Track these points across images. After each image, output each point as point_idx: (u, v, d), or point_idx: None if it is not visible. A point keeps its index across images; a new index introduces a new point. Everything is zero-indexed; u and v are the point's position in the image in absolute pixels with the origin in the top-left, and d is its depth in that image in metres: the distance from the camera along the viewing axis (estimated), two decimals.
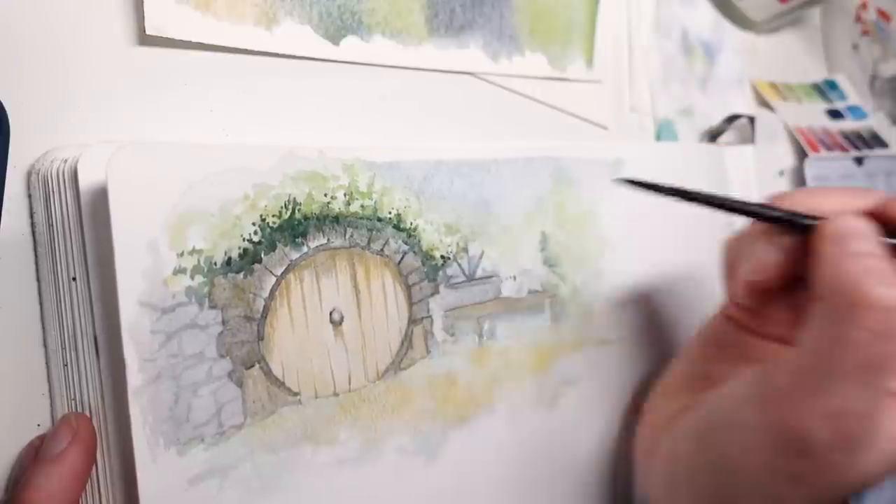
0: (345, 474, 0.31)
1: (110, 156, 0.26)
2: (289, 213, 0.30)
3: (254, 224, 0.29)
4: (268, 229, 0.29)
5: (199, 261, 0.27)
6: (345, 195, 0.32)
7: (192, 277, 0.27)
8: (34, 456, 0.27)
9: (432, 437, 0.34)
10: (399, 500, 0.33)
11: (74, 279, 0.27)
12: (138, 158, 0.26)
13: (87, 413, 0.27)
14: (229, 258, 0.28)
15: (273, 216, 0.30)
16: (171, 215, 0.27)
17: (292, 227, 0.30)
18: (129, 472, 0.26)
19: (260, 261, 0.29)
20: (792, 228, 0.30)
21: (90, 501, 0.27)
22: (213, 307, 0.28)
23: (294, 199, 0.30)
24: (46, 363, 0.29)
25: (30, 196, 0.28)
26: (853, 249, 0.27)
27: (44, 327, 0.29)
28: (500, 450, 0.36)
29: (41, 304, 0.29)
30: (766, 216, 0.30)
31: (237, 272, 0.29)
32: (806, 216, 0.29)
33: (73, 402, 0.28)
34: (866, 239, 0.27)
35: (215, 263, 0.28)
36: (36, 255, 0.29)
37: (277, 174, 0.30)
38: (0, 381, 0.27)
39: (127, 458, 0.26)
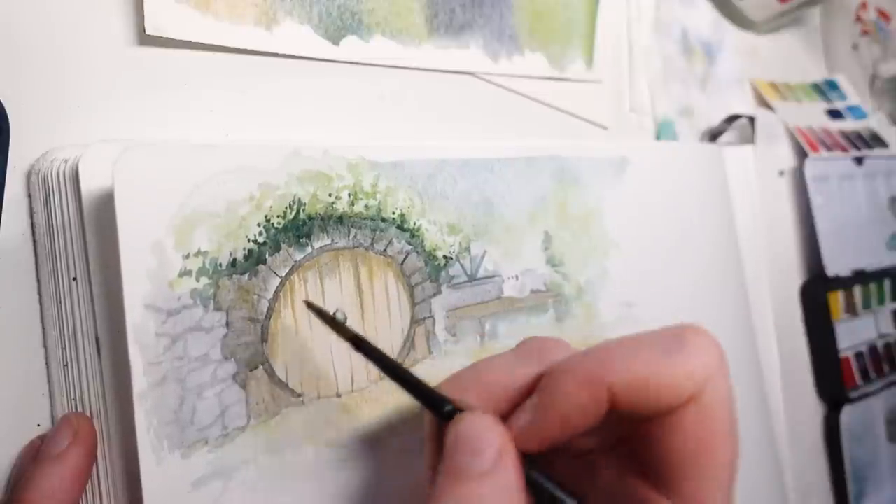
0: (347, 474, 0.31)
1: (117, 157, 0.25)
2: (293, 213, 0.30)
3: (259, 225, 0.29)
4: (272, 230, 0.29)
5: (204, 262, 0.27)
6: (349, 195, 0.32)
7: (197, 279, 0.27)
8: (34, 456, 0.26)
9: None
10: (401, 500, 0.33)
11: (75, 279, 0.27)
12: (145, 159, 0.26)
13: (88, 413, 0.27)
14: (234, 259, 0.28)
15: (278, 217, 0.29)
16: (176, 216, 0.27)
17: (297, 227, 0.30)
18: (132, 473, 0.26)
19: (264, 262, 0.29)
20: (435, 411, 0.24)
21: (91, 502, 0.27)
22: (217, 309, 0.28)
23: (299, 199, 0.30)
24: (46, 363, 0.28)
25: (30, 196, 0.28)
26: (458, 466, 0.21)
27: (44, 327, 0.29)
28: None
29: (41, 304, 0.29)
30: (416, 394, 0.25)
31: (242, 274, 0.28)
32: (449, 402, 0.24)
33: (73, 402, 0.28)
34: (481, 456, 0.21)
35: (220, 265, 0.28)
36: (36, 256, 0.29)
37: (282, 174, 0.30)
38: (0, 381, 0.27)
39: (130, 459, 0.26)
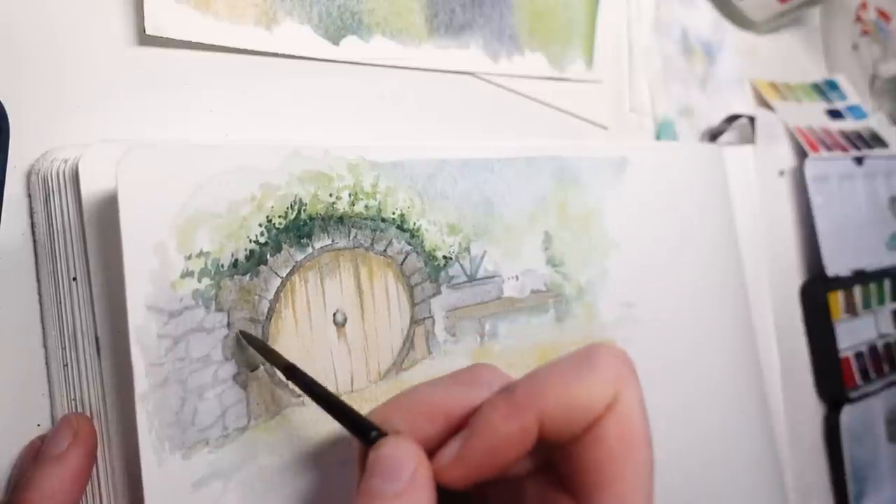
0: (347, 474, 0.31)
1: (121, 158, 0.25)
2: (294, 213, 0.30)
3: (260, 225, 0.29)
4: (274, 230, 0.29)
5: (206, 263, 0.27)
6: (349, 195, 0.32)
7: (199, 280, 0.27)
8: (35, 456, 0.26)
9: None
10: None
11: (75, 279, 0.27)
12: (148, 160, 0.26)
13: (88, 413, 0.27)
14: (236, 260, 0.28)
15: (279, 217, 0.29)
16: (179, 217, 0.27)
17: (298, 227, 0.30)
18: (132, 474, 0.26)
19: (266, 262, 0.29)
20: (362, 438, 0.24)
21: (92, 503, 0.27)
22: (219, 310, 0.28)
23: (300, 199, 0.30)
24: (46, 363, 0.28)
25: (30, 196, 0.28)
26: (372, 488, 0.22)
27: (44, 327, 0.28)
28: None
29: (41, 304, 0.29)
30: (343, 421, 0.26)
31: (243, 274, 0.28)
32: (376, 428, 0.24)
33: (73, 402, 0.28)
34: (394, 479, 0.22)
35: (222, 266, 0.28)
36: (36, 256, 0.28)
37: (283, 174, 0.30)
38: (0, 381, 0.27)
39: (130, 460, 0.26)
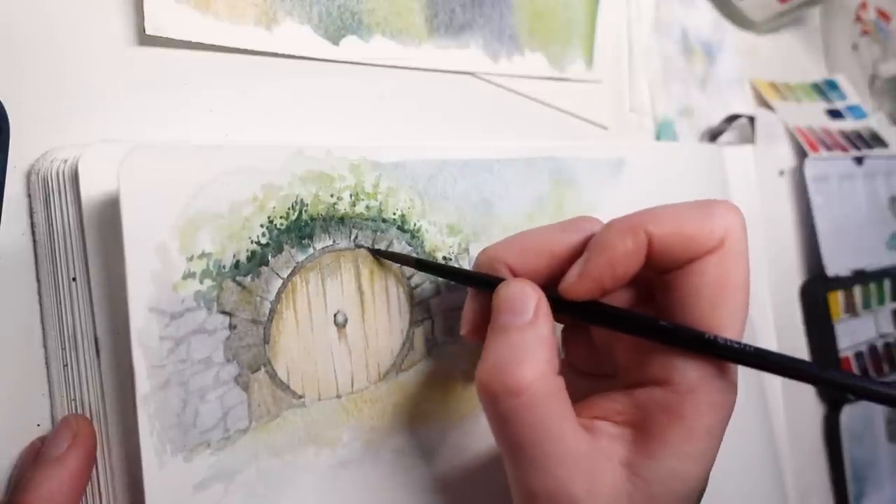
0: (347, 475, 0.31)
1: (123, 158, 0.25)
2: (296, 214, 0.30)
3: (262, 226, 0.29)
4: (275, 231, 0.29)
5: (208, 264, 0.27)
6: (351, 196, 0.32)
7: (200, 282, 0.27)
8: (35, 457, 0.26)
9: (432, 438, 0.34)
10: (399, 500, 0.33)
11: (74, 279, 0.27)
12: (151, 160, 0.26)
13: (87, 414, 0.27)
14: (237, 261, 0.28)
15: (281, 217, 0.29)
16: (181, 217, 0.26)
17: (299, 228, 0.30)
18: (133, 476, 0.26)
19: (267, 263, 0.29)
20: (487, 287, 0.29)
21: (91, 503, 0.27)
22: (220, 311, 0.27)
23: (301, 199, 0.30)
24: (46, 363, 0.28)
25: (30, 196, 0.28)
26: (503, 323, 0.27)
27: (44, 328, 0.28)
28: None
29: (41, 304, 0.28)
30: (467, 281, 0.31)
31: (245, 275, 0.28)
32: (493, 278, 0.29)
33: (73, 402, 0.28)
34: (521, 313, 0.26)
35: (224, 267, 0.28)
36: (36, 256, 0.28)
37: (286, 174, 0.30)
38: (0, 381, 0.27)
39: (130, 461, 0.26)
